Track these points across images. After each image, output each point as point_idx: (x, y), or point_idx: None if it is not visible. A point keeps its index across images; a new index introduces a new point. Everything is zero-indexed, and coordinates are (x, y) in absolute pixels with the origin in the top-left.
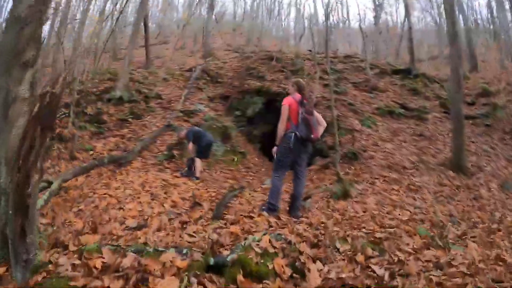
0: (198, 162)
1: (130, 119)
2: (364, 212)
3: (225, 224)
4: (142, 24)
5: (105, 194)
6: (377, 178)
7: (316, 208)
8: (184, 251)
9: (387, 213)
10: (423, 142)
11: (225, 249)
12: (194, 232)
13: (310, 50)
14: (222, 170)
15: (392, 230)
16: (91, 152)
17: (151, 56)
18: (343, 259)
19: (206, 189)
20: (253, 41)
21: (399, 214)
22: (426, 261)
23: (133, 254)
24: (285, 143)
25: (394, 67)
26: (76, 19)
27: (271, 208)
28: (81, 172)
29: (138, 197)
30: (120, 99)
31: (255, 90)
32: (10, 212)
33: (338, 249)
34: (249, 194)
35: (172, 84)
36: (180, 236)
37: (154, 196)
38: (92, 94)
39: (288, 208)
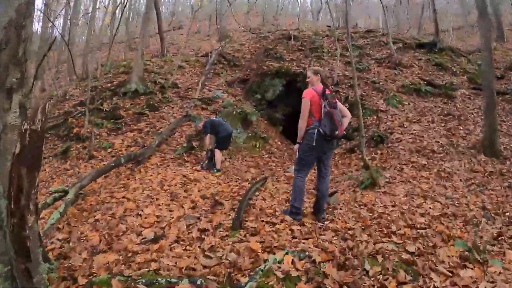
0: (218, 154)
1: (147, 112)
2: (393, 206)
3: (245, 236)
4: (154, 11)
5: (123, 197)
6: (405, 164)
7: (342, 203)
8: (199, 281)
9: (417, 206)
10: (452, 123)
11: (244, 275)
12: (211, 246)
13: (329, 26)
14: (244, 158)
15: (423, 231)
16: (109, 150)
17: (166, 43)
18: (373, 285)
19: (228, 182)
20: (269, 21)
21: (430, 208)
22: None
23: (144, 287)
24: (308, 141)
25: (418, 41)
26: (88, 13)
27: (295, 212)
28: (97, 176)
29: (157, 199)
30: (136, 92)
31: (274, 72)
32: (12, 254)
33: (367, 272)
34: (272, 185)
35: (189, 72)
36: (195, 258)
37: (173, 196)
38: (107, 90)
39: (312, 209)
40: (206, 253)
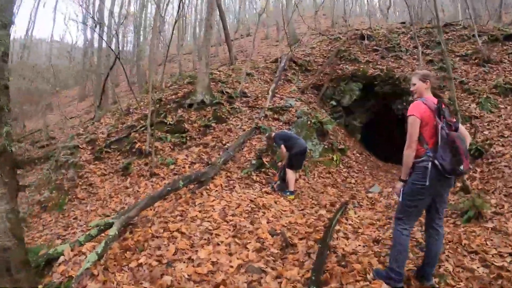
0: (291, 174)
1: (213, 124)
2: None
3: None
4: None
5: (177, 231)
6: None
7: (447, 246)
8: None
9: None
10: None
11: None
12: None
13: (403, 23)
14: (320, 175)
15: None
16: (172, 167)
17: (234, 51)
18: None
19: (302, 209)
20: (339, 22)
21: None
22: None
23: None
24: (417, 179)
25: (505, 32)
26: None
27: (394, 278)
28: (150, 203)
29: (217, 234)
30: (202, 103)
31: (350, 75)
32: None
33: None
34: (355, 213)
35: (258, 79)
36: None
37: (236, 231)
38: (171, 102)
39: (415, 273)
40: None
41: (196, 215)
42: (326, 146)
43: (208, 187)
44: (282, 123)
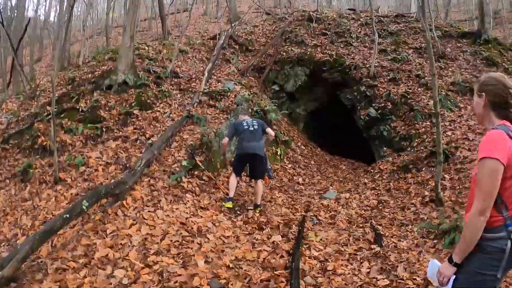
0: (231, 177)
1: (136, 112)
2: None
3: None
4: None
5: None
6: None
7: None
8: None
9: None
10: None
11: None
12: None
13: (352, 9)
14: None
15: None
16: (83, 169)
17: (169, 26)
18: None
19: (250, 234)
20: (283, 2)
21: None
22: None
23: None
24: (486, 267)
25: (459, 30)
26: None
27: None
28: (43, 239)
29: None
30: (124, 85)
31: (295, 59)
32: None
33: None
34: (316, 235)
35: (192, 57)
36: None
37: (163, 285)
38: (86, 82)
39: None
40: None
41: (107, 255)
42: None
43: (124, 203)
44: (219, 111)
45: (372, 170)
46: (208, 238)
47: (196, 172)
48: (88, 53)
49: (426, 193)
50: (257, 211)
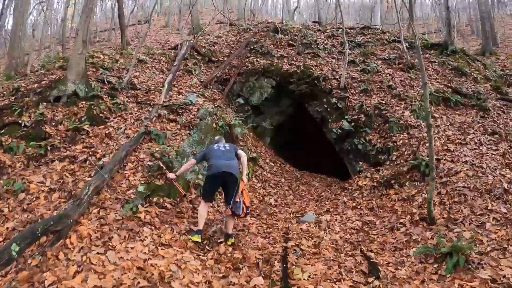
0: (200, 206)
1: (86, 127)
2: None
3: None
4: None
5: None
6: (481, 215)
7: None
8: None
9: None
10: (502, 144)
11: None
12: None
13: (317, 22)
14: None
15: None
16: (22, 196)
17: (130, 37)
18: None
19: (225, 277)
20: (247, 15)
21: None
22: None
23: None
24: None
25: (425, 41)
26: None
27: None
28: None
29: None
30: (74, 96)
31: (261, 70)
32: None
33: None
34: (303, 272)
35: (152, 68)
36: None
37: None
38: (32, 93)
39: None
40: None
41: None
42: None
43: (68, 242)
44: (181, 126)
45: (349, 187)
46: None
47: (155, 199)
48: (29, 60)
49: (414, 210)
50: (229, 243)
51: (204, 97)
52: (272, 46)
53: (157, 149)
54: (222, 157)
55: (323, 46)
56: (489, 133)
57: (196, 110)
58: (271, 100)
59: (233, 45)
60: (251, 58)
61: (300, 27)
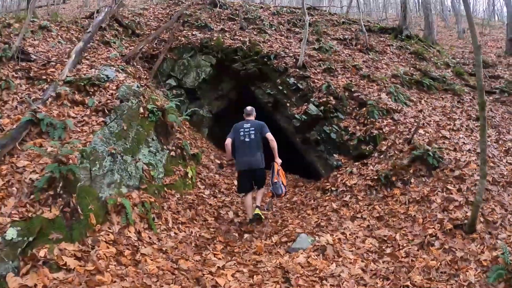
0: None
1: None
2: None
3: None
4: None
5: None
6: None
7: None
8: None
9: None
10: (491, 131)
11: None
12: None
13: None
14: (175, 216)
15: None
16: None
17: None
18: None
19: None
20: None
21: None
22: None
23: None
24: None
25: (378, 25)
26: None
27: None
28: None
29: None
30: None
31: (198, 45)
32: None
33: None
34: None
35: (58, 36)
36: None
37: None
38: None
39: None
40: None
41: None
42: (173, 153)
43: None
44: (91, 111)
45: (332, 188)
46: None
47: (42, 252)
48: None
49: (439, 215)
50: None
51: (126, 73)
52: (210, 19)
53: (50, 148)
54: (246, 152)
55: (269, 23)
56: (473, 119)
57: (114, 88)
58: (209, 83)
59: (162, 18)
60: (185, 31)
61: (241, 2)
